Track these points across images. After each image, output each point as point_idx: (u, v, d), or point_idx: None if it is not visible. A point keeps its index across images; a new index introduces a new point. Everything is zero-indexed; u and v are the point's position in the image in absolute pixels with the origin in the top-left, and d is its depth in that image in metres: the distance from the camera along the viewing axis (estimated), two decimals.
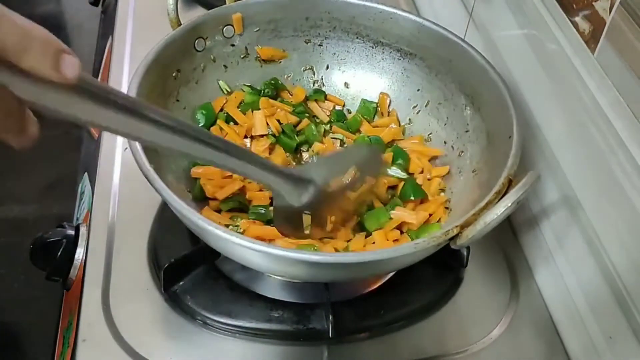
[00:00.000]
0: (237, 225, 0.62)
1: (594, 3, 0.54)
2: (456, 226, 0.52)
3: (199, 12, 0.72)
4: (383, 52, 0.76)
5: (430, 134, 0.73)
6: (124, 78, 0.87)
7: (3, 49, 0.29)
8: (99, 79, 0.99)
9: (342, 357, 0.61)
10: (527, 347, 0.64)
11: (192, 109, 0.71)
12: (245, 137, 0.72)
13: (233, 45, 0.74)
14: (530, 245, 0.71)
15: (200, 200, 0.65)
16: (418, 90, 0.75)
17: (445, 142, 0.72)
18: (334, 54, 0.78)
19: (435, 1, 0.95)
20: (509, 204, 0.50)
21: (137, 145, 0.55)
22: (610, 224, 0.56)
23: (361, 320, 0.63)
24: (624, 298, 0.54)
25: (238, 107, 0.73)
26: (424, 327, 0.64)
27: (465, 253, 0.67)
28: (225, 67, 0.75)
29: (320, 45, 0.78)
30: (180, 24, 0.69)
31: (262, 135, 0.71)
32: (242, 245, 0.49)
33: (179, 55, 0.69)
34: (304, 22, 0.76)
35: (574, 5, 0.58)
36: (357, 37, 0.76)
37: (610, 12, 0.52)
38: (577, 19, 0.57)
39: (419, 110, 0.75)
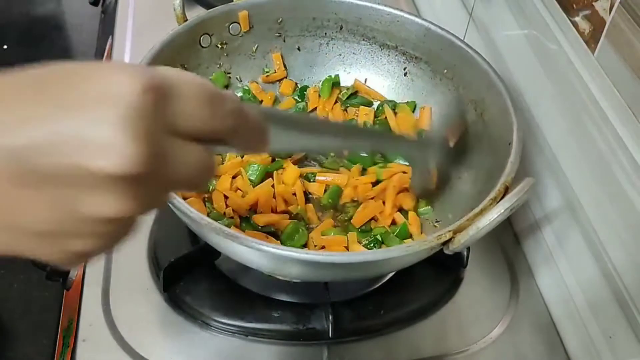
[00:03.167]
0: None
1: (594, 3, 0.54)
2: (449, 231, 0.52)
3: (199, 12, 0.72)
4: (389, 55, 0.76)
5: None
6: None
7: (223, 133, 0.30)
8: None
9: (342, 357, 0.61)
10: (527, 347, 0.64)
11: None
12: None
13: (239, 42, 0.74)
14: (530, 245, 0.71)
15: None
16: (422, 94, 0.75)
17: None
18: (340, 55, 0.78)
19: (435, 1, 0.95)
20: (502, 211, 0.50)
21: None
22: (610, 224, 0.56)
23: (361, 320, 0.63)
24: (624, 298, 0.54)
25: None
26: (424, 327, 0.64)
27: (465, 253, 0.67)
28: (230, 63, 0.75)
29: (326, 45, 0.78)
30: (186, 20, 0.69)
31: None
32: (242, 244, 0.49)
33: (184, 51, 0.69)
34: (311, 22, 0.76)
35: (574, 5, 0.58)
36: (363, 39, 0.76)
37: (610, 12, 0.52)
38: (577, 19, 0.57)
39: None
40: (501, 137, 0.62)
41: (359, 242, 0.63)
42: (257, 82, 0.77)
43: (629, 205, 0.52)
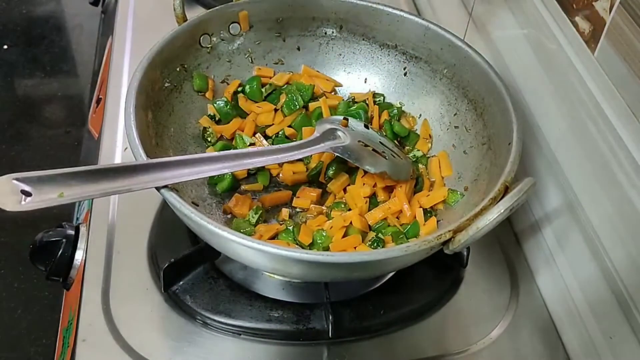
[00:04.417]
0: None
1: (594, 3, 0.55)
2: (449, 230, 0.52)
3: (199, 12, 0.72)
4: (389, 55, 0.76)
5: (432, 138, 0.73)
6: (124, 78, 0.87)
7: None
8: (99, 79, 0.99)
9: (342, 357, 0.61)
10: (527, 347, 0.64)
11: (194, 104, 0.71)
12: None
13: (239, 42, 0.74)
14: (530, 245, 0.71)
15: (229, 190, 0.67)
16: (422, 93, 0.75)
17: (446, 148, 0.72)
18: (340, 55, 0.78)
19: (435, 1, 0.95)
20: (502, 210, 0.50)
21: (137, 143, 0.55)
22: (610, 224, 0.56)
23: (361, 320, 0.63)
24: (624, 298, 0.54)
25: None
26: (424, 327, 0.64)
27: (465, 253, 0.67)
28: (230, 62, 0.75)
29: (326, 45, 0.78)
30: (186, 20, 0.69)
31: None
32: (241, 243, 0.49)
33: (184, 50, 0.69)
34: (311, 21, 0.76)
35: (574, 5, 0.58)
36: (363, 39, 0.76)
37: (610, 12, 0.52)
38: (577, 19, 0.57)
39: (421, 114, 0.75)
40: (501, 137, 0.62)
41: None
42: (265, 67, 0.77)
43: (629, 205, 0.52)
